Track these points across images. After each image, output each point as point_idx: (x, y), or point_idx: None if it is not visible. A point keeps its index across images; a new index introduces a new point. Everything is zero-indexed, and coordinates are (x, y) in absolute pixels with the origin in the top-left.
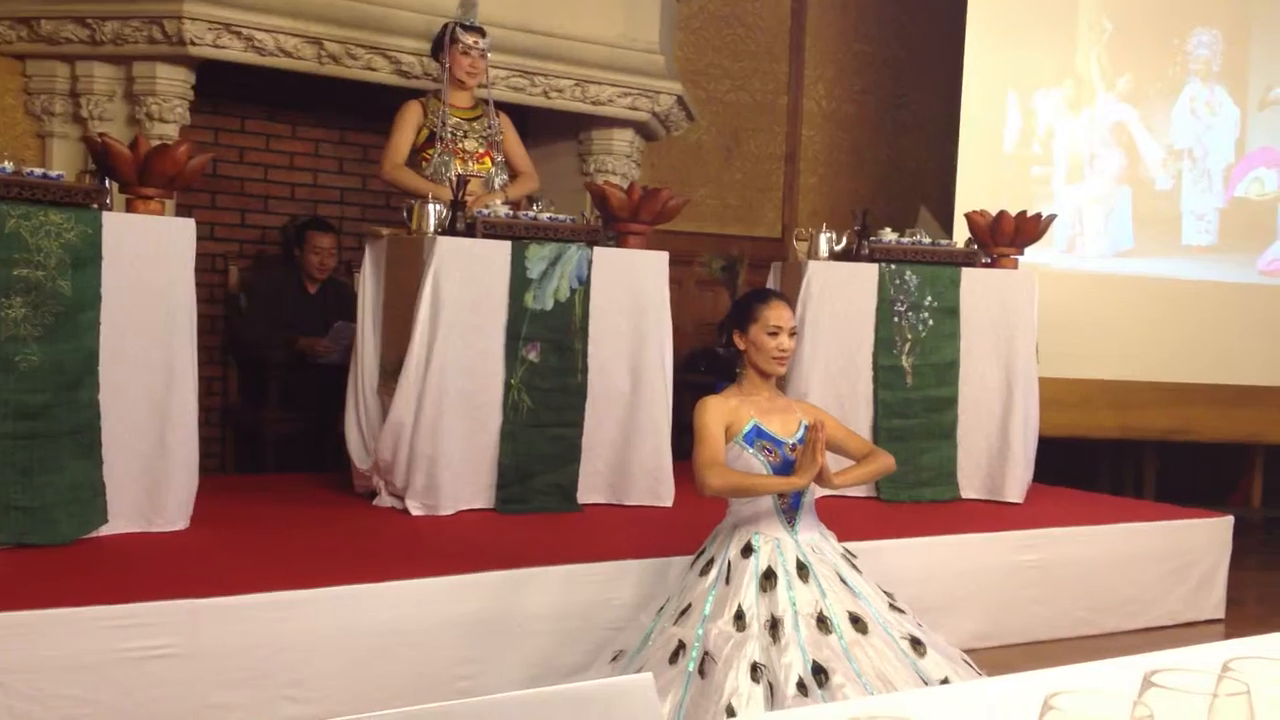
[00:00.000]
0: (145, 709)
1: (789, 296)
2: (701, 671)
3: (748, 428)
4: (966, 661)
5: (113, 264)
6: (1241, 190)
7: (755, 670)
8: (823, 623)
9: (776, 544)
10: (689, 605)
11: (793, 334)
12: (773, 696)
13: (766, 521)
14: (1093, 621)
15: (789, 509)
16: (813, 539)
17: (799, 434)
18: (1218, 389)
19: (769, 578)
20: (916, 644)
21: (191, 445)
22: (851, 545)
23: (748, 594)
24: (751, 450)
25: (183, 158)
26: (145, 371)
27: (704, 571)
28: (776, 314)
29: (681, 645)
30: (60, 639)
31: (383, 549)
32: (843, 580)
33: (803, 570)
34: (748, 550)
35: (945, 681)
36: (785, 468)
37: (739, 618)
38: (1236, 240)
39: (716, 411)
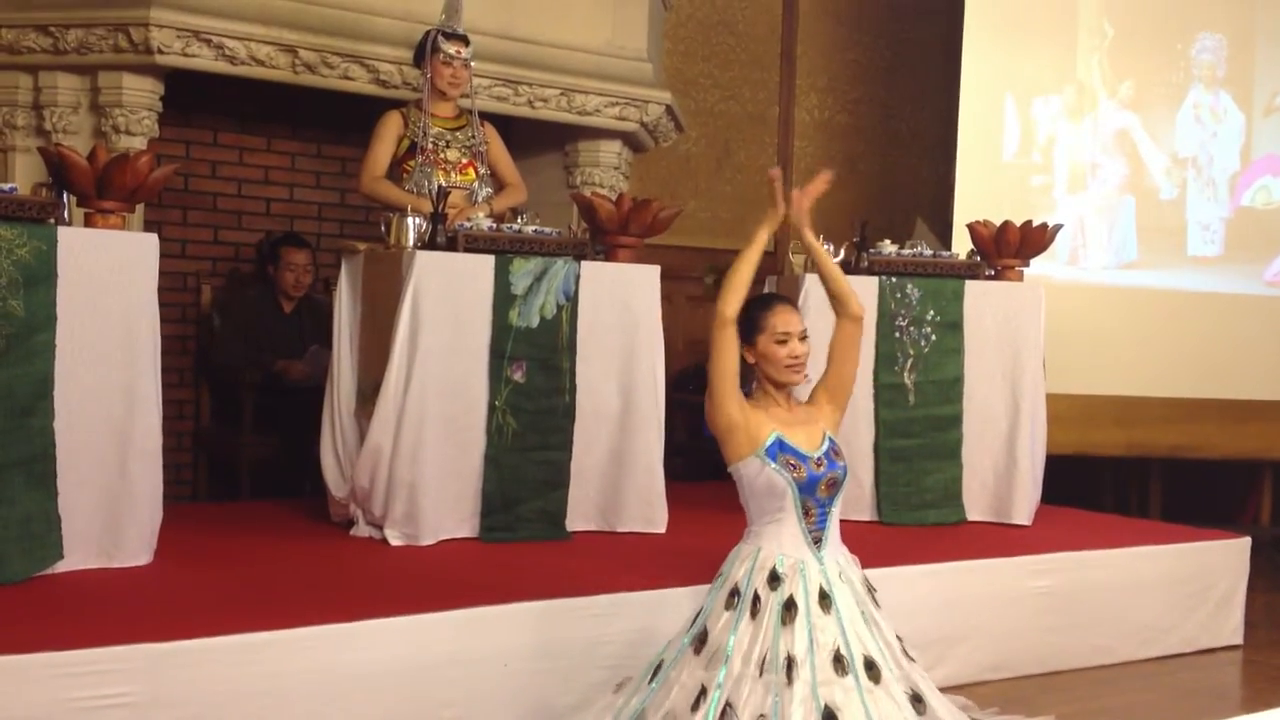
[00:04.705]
0: None
1: None
2: None
3: (770, 441)
4: (972, 717)
5: (69, 282)
6: (1247, 199)
7: None
8: (839, 662)
9: (801, 568)
10: (714, 644)
11: (804, 338)
12: None
13: (791, 542)
14: (1109, 650)
15: (815, 528)
16: (839, 561)
17: (824, 446)
18: (1225, 404)
19: (789, 609)
20: (917, 700)
21: (155, 475)
22: None
23: (772, 631)
24: (775, 466)
25: (144, 169)
26: (104, 396)
27: (729, 604)
28: (783, 319)
29: (704, 691)
30: (7, 688)
31: (360, 584)
32: (863, 616)
33: (825, 600)
34: (774, 579)
35: None
36: (811, 484)
37: (763, 660)
38: (1242, 251)
39: (744, 400)
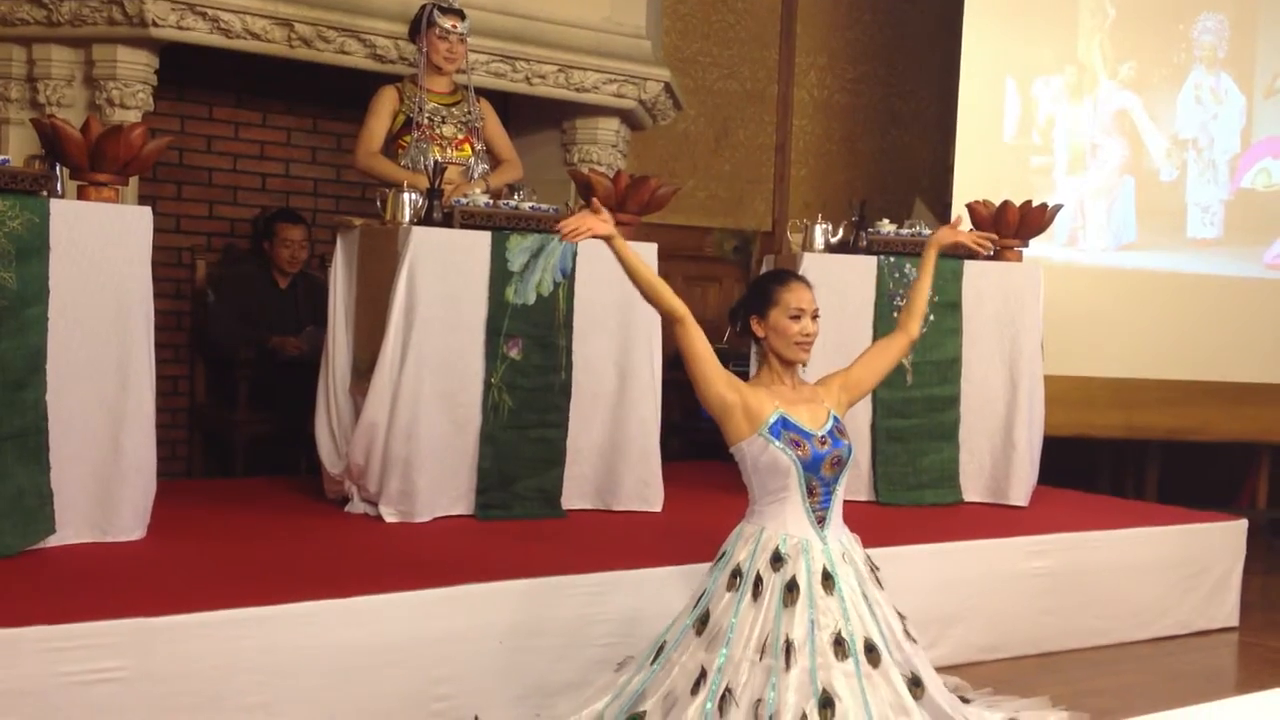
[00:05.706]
0: None
1: None
2: (720, 708)
3: (773, 419)
4: (964, 697)
5: (62, 255)
6: (1248, 181)
7: (757, 708)
8: (839, 645)
9: (804, 548)
10: (715, 626)
11: (816, 317)
12: None
13: (794, 521)
14: (1106, 631)
15: (820, 507)
16: (842, 541)
17: (829, 424)
18: (1223, 386)
19: (791, 590)
20: (916, 684)
21: (148, 449)
22: None
23: (773, 614)
24: (779, 444)
25: (138, 141)
26: (97, 370)
27: (731, 585)
28: (797, 296)
29: (704, 673)
30: None
31: (354, 560)
32: (865, 599)
33: (828, 580)
34: (776, 560)
35: None
36: (815, 463)
37: (763, 643)
38: (1242, 233)
39: (733, 378)
